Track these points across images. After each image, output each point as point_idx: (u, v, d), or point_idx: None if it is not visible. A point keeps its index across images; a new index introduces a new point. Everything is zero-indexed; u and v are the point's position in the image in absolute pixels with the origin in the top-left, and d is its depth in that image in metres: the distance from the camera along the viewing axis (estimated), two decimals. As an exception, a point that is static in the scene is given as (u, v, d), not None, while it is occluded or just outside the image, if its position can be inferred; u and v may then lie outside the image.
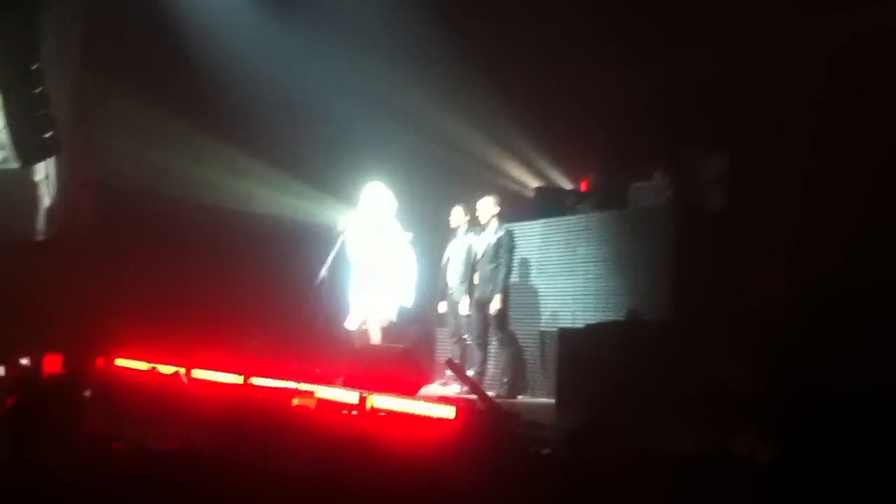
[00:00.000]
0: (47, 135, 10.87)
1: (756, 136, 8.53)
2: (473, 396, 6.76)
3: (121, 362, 9.11)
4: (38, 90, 10.66)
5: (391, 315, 8.99)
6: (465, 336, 8.98)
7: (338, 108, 11.12)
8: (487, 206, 8.80)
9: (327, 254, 9.48)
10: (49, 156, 11.54)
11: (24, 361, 6.85)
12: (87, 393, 4.52)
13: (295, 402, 5.80)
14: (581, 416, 5.18)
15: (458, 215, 9.23)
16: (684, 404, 5.59)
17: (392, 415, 6.04)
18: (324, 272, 9.34)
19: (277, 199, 11.07)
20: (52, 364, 8.53)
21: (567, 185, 10.97)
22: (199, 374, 8.14)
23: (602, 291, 8.62)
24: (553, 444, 4.73)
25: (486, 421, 5.55)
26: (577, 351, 7.05)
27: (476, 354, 8.69)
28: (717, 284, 7.69)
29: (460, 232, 9.23)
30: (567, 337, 7.39)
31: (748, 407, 4.98)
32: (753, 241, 8.05)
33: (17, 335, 8.76)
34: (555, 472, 3.99)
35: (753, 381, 5.29)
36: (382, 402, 6.16)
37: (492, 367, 8.79)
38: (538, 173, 11.25)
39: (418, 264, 9.40)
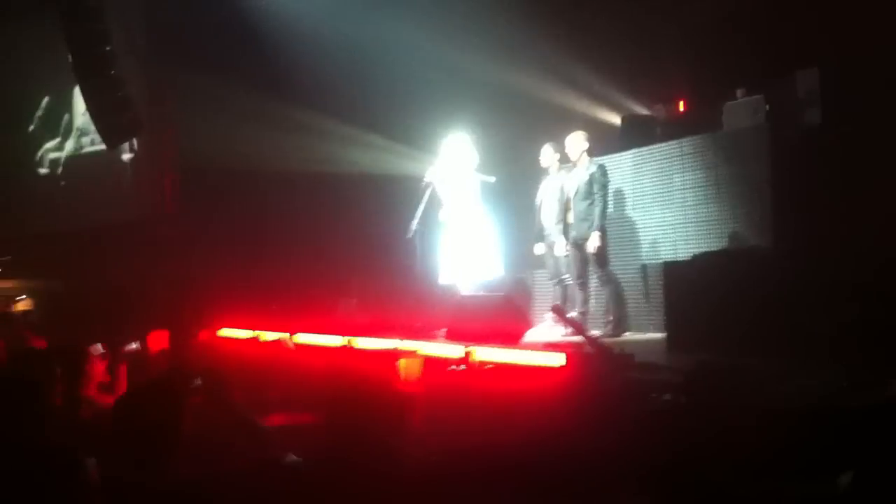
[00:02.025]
0: (126, 115, 11.02)
1: (847, 50, 8.07)
2: (580, 339, 6.60)
3: (224, 333, 9.21)
4: (111, 73, 10.79)
5: (484, 276, 8.87)
6: (565, 277, 8.78)
7: (413, 63, 10.91)
8: (577, 142, 8.51)
9: (417, 206, 9.38)
10: (131, 136, 11.72)
11: (133, 346, 6.86)
12: (197, 381, 4.38)
13: (402, 363, 5.72)
14: (697, 358, 4.93)
15: (547, 154, 8.97)
16: (811, 341, 5.28)
17: (499, 367, 5.91)
18: (415, 225, 9.24)
19: (362, 158, 10.95)
20: (158, 341, 8.67)
21: (652, 112, 10.61)
22: (302, 338, 8.17)
23: (702, 219, 8.30)
24: (672, 388, 4.52)
25: (598, 366, 5.37)
26: (684, 285, 6.76)
27: (577, 295, 8.47)
28: (822, 207, 7.32)
29: (552, 171, 8.98)
30: (673, 270, 7.10)
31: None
32: (856, 160, 7.64)
33: (119, 318, 8.91)
34: (678, 421, 3.78)
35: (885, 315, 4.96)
36: (488, 354, 6.04)
37: (593, 306, 8.59)
38: (620, 104, 10.90)
39: (511, 208, 9.23)
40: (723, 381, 3.74)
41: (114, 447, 3.81)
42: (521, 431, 4.82)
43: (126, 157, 12.99)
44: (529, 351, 5.89)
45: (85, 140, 13.87)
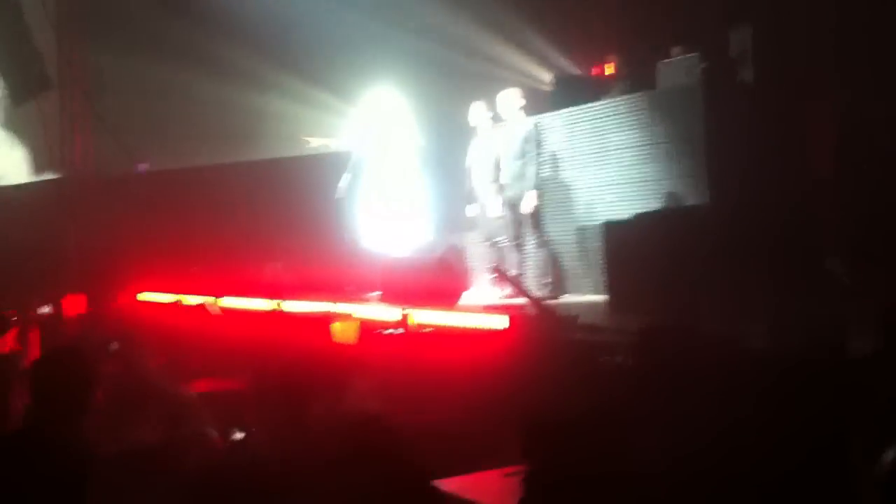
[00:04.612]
0: (34, 71, 10.45)
1: (780, 9, 8.02)
2: (520, 301, 6.44)
3: (144, 296, 8.81)
4: (18, 26, 10.23)
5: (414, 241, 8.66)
6: (498, 239, 8.58)
7: (335, 18, 10.55)
8: (511, 100, 8.28)
9: (344, 169, 9.12)
10: (39, 91, 11.10)
11: (45, 309, 6.44)
12: (114, 345, 4.07)
13: (336, 326, 5.45)
14: (644, 316, 4.79)
15: (477, 112, 8.69)
16: (753, 299, 5.19)
17: (439, 330, 5.70)
18: (343, 184, 8.98)
19: (285, 115, 10.55)
20: (75, 305, 8.24)
21: (583, 72, 10.47)
22: (227, 302, 7.84)
23: (639, 179, 8.18)
24: (620, 349, 4.36)
25: (542, 328, 5.20)
26: (625, 245, 6.63)
27: (512, 257, 8.29)
28: (759, 164, 7.27)
29: (481, 130, 8.72)
30: (613, 231, 6.96)
31: (846, 292, 4.58)
32: (790, 118, 7.63)
33: (32, 280, 8.44)
34: (635, 382, 3.61)
35: (840, 262, 4.88)
36: (427, 317, 5.81)
37: (529, 269, 8.43)
38: (550, 64, 10.72)
39: (441, 169, 8.99)
40: (678, 341, 3.56)
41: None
42: (465, 396, 4.63)
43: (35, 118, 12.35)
44: (470, 313, 5.68)
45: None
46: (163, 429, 4.03)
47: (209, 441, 3.58)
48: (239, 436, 3.52)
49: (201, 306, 7.63)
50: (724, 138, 7.64)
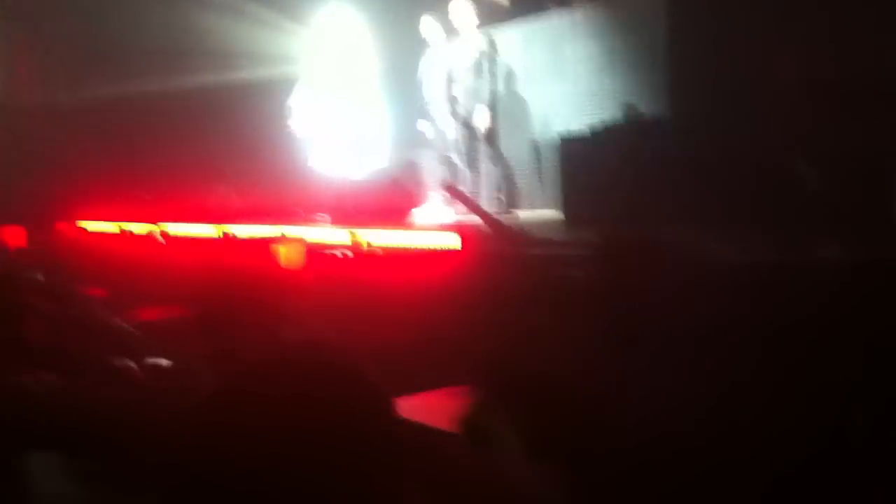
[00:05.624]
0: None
1: None
2: (472, 218, 6.24)
3: (85, 224, 8.50)
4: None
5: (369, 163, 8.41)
6: (452, 155, 8.34)
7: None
8: (462, 12, 7.96)
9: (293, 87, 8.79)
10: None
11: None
12: (38, 276, 3.80)
13: (281, 249, 5.22)
14: (599, 231, 4.59)
15: (429, 26, 8.38)
16: (714, 210, 5.03)
17: (388, 251, 5.48)
18: (292, 105, 8.67)
19: (230, 30, 10.08)
20: (15, 237, 7.93)
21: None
22: (172, 228, 7.56)
23: (596, 92, 7.93)
24: (576, 263, 4.17)
25: (496, 245, 5.00)
26: (580, 159, 6.42)
27: (466, 174, 8.08)
28: (725, 74, 7.01)
29: (435, 45, 8.41)
30: (567, 145, 6.74)
31: (812, 204, 4.42)
32: (761, 24, 7.33)
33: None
34: (597, 297, 3.42)
35: (807, 172, 4.72)
36: (375, 237, 5.59)
37: (483, 186, 8.22)
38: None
39: (399, 85, 8.70)
40: (642, 251, 3.37)
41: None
42: (416, 318, 4.45)
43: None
44: (421, 232, 5.46)
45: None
46: (98, 360, 3.78)
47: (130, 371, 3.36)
48: (164, 363, 3.30)
49: (145, 233, 7.35)
50: (688, 46, 7.37)
